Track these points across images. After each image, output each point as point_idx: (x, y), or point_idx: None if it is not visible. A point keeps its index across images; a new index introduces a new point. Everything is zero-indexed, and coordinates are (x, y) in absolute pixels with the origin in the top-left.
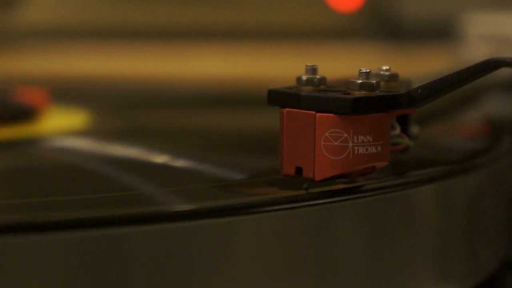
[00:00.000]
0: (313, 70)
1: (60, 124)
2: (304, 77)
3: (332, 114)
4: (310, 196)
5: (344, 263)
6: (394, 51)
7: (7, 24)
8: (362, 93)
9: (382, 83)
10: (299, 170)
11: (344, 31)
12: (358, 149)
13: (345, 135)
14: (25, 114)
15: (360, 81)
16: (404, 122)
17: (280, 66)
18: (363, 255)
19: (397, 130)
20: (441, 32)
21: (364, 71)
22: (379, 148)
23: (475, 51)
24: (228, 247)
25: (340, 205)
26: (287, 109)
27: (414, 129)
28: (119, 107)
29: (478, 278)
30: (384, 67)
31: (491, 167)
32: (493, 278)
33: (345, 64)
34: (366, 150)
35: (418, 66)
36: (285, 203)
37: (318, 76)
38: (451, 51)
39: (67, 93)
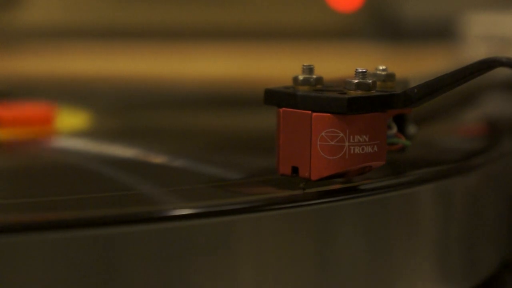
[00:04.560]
0: (309, 69)
1: (60, 124)
2: (301, 77)
3: (328, 114)
4: (306, 196)
5: (343, 263)
6: (394, 51)
7: (7, 24)
8: (358, 93)
9: (378, 83)
10: (295, 170)
11: (344, 31)
12: (354, 149)
13: (341, 134)
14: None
15: (356, 81)
16: (401, 121)
17: (280, 66)
18: (362, 255)
19: (394, 130)
20: (441, 32)
21: (360, 71)
22: (375, 148)
23: (475, 51)
24: (226, 247)
25: (338, 205)
26: (284, 108)
27: (411, 129)
28: (119, 107)
29: (478, 278)
30: (381, 67)
31: (490, 167)
32: (493, 278)
33: (345, 64)
34: (362, 149)
35: (418, 66)
36: (281, 203)
37: (314, 76)
38: (451, 51)
39: (67, 93)
